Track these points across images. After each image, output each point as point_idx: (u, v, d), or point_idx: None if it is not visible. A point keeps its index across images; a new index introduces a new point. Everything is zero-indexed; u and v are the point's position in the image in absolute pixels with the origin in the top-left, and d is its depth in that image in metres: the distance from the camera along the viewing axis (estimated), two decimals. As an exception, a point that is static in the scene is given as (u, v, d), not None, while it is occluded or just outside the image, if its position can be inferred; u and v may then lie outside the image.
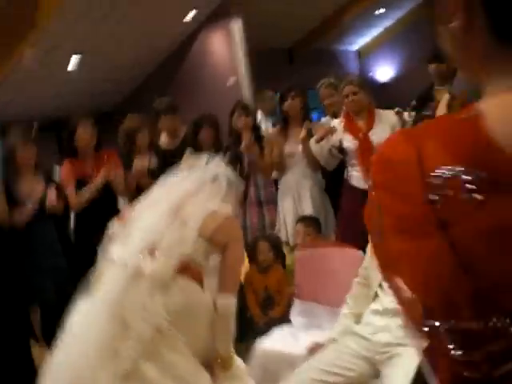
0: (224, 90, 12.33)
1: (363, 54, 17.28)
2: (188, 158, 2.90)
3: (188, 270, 2.62)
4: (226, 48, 12.97)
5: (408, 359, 2.56)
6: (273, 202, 4.93)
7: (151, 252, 2.56)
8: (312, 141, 4.55)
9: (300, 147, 4.74)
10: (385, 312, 2.79)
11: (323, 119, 5.11)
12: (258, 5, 12.84)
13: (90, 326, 2.44)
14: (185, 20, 12.00)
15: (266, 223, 4.93)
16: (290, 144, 4.84)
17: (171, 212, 2.66)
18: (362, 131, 4.48)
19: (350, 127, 4.60)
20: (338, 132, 4.64)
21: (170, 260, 2.55)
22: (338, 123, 4.65)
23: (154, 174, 4.24)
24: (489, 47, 0.84)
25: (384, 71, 14.91)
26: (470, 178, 0.80)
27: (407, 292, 0.84)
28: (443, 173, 0.82)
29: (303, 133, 4.65)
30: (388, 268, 0.91)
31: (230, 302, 2.69)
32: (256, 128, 4.94)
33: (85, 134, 4.67)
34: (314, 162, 4.70)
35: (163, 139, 5.22)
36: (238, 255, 2.88)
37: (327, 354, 2.85)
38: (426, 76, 5.18)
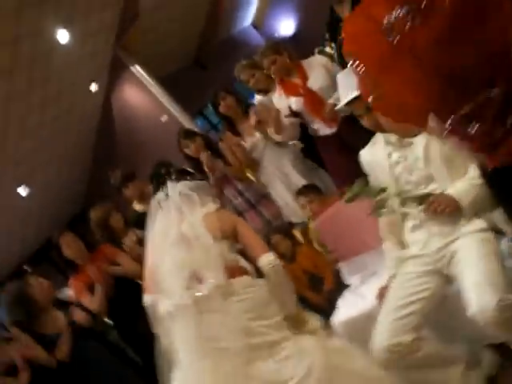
0: (161, 128, 12.30)
1: (258, 24, 17.23)
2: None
3: (233, 271, 2.72)
4: (142, 93, 12.94)
5: (465, 248, 2.57)
6: (263, 197, 4.91)
7: (198, 278, 2.68)
8: (272, 134, 4.54)
9: (257, 136, 4.74)
10: (420, 223, 2.80)
11: (257, 97, 5.08)
12: (146, 42, 12.77)
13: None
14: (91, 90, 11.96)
15: (269, 218, 4.91)
16: (247, 139, 4.84)
17: (182, 242, 2.74)
18: (301, 86, 4.48)
19: (288, 90, 4.61)
20: (282, 101, 4.64)
21: (218, 275, 2.64)
22: (277, 97, 4.66)
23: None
24: None
25: (286, 26, 14.88)
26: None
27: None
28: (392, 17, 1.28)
29: (252, 121, 4.66)
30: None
31: (272, 258, 2.83)
32: (208, 144, 4.93)
33: (69, 247, 4.68)
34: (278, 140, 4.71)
35: (137, 207, 5.23)
36: (247, 224, 3.16)
37: (395, 290, 2.85)
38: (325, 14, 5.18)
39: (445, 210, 2.53)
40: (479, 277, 2.47)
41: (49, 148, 9.11)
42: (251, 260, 2.91)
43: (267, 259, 2.84)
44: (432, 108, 1.33)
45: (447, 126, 1.37)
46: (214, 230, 2.81)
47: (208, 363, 2.51)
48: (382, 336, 2.71)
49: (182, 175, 3.19)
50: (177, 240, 2.78)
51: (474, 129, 1.33)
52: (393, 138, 2.78)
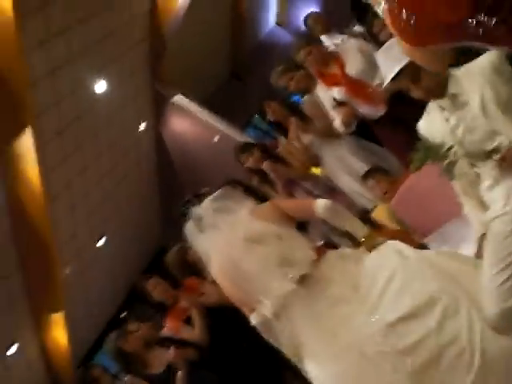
0: (217, 148, 12.38)
1: (283, 21, 17.08)
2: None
3: (319, 250, 2.91)
4: (189, 120, 13.05)
5: None
6: (333, 190, 4.89)
7: (288, 264, 2.78)
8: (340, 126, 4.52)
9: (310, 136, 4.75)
10: (496, 180, 2.67)
11: (305, 98, 5.06)
12: (180, 68, 12.87)
13: None
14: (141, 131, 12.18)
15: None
16: (303, 137, 4.82)
17: (251, 244, 2.83)
18: (339, 75, 4.42)
19: (328, 81, 4.55)
20: (325, 93, 4.59)
21: (306, 251, 2.81)
22: (320, 91, 4.62)
23: None
24: None
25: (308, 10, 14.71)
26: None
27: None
28: None
29: (294, 125, 4.66)
30: None
31: (323, 201, 3.07)
32: (266, 152, 4.93)
33: (156, 290, 4.84)
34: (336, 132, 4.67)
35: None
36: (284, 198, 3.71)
37: (489, 256, 2.72)
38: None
39: None
40: None
41: (115, 196, 9.31)
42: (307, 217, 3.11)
43: (319, 204, 3.00)
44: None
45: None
46: (267, 219, 2.89)
47: (341, 329, 2.62)
48: (491, 304, 2.59)
49: (199, 197, 3.24)
50: (244, 246, 2.81)
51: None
52: (446, 102, 2.69)
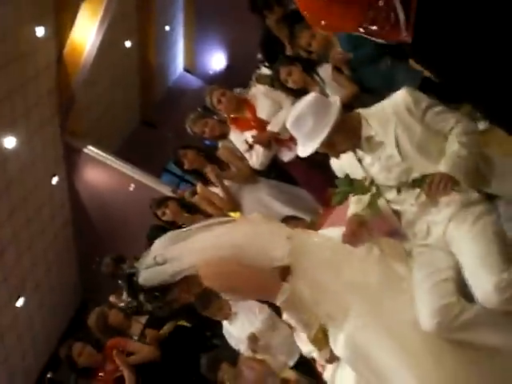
0: (133, 197, 12.20)
1: (190, 65, 17.14)
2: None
3: None
4: (103, 171, 12.83)
5: (456, 235, 2.53)
6: None
7: None
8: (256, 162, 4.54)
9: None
10: (416, 213, 2.68)
11: (221, 143, 5.10)
12: (90, 119, 12.64)
13: None
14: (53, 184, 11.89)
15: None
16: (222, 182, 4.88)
17: None
18: (251, 119, 4.51)
19: (241, 125, 4.64)
20: (238, 137, 4.67)
21: None
22: (233, 135, 4.69)
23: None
24: None
25: (216, 61, 14.97)
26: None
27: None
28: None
29: (212, 173, 4.76)
30: None
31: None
32: (183, 202, 4.99)
33: (81, 355, 4.74)
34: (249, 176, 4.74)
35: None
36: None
37: (418, 269, 2.69)
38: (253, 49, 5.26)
39: (446, 186, 2.44)
40: (472, 262, 2.41)
41: (31, 252, 9.03)
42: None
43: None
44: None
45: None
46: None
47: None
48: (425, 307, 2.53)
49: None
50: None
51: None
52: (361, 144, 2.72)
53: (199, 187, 4.95)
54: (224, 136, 4.88)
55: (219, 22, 13.57)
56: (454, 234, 2.56)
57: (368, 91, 3.91)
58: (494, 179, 2.60)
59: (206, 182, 4.99)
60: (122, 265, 4.91)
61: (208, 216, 4.68)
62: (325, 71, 4.20)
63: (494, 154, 2.72)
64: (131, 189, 10.02)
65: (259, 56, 5.83)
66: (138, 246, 4.76)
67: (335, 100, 2.62)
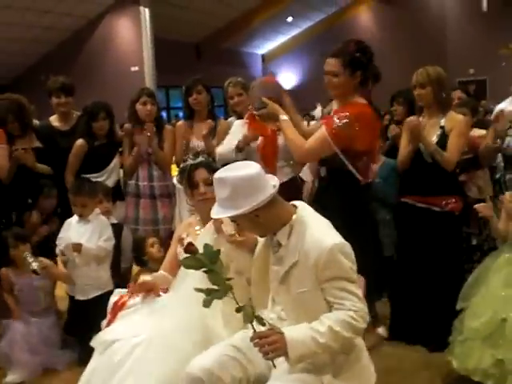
0: (126, 76, 12.07)
1: (268, 59, 17.48)
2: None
3: None
4: (132, 34, 12.68)
5: None
6: (167, 197, 4.77)
7: None
8: (227, 148, 4.38)
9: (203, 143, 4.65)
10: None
11: (231, 119, 4.97)
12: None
13: None
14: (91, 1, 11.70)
15: (160, 217, 4.76)
16: (194, 139, 4.72)
17: None
18: (272, 129, 4.39)
19: (255, 126, 4.55)
20: (240, 130, 4.59)
21: None
22: (241, 124, 4.60)
23: (40, 153, 4.16)
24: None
25: (287, 77, 15.13)
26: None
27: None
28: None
29: (205, 130, 4.55)
30: None
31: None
32: (158, 118, 4.76)
33: None
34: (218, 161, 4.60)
35: (53, 121, 4.93)
36: None
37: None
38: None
39: (268, 354, 2.24)
40: None
41: None
42: None
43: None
44: None
45: None
46: None
47: None
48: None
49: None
50: None
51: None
52: None
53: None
54: (238, 115, 4.75)
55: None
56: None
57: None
58: None
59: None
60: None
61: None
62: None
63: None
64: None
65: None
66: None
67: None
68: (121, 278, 3.88)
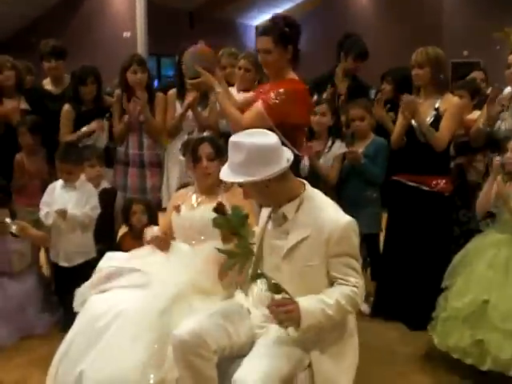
0: (118, 42, 11.96)
1: (262, 31, 17.28)
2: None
3: None
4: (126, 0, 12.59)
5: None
6: (157, 166, 4.73)
7: None
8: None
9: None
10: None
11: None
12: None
13: None
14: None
15: (148, 186, 4.72)
16: (183, 107, 4.67)
17: None
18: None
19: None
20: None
21: None
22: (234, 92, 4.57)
23: (27, 114, 4.12)
24: None
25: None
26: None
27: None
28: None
29: (187, 100, 4.48)
30: None
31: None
32: (149, 86, 4.70)
33: None
34: (204, 127, 4.56)
35: (46, 84, 4.89)
36: None
37: None
38: (326, 58, 5.20)
39: (283, 322, 2.29)
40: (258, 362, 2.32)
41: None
42: None
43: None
44: None
45: None
46: None
47: None
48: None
49: None
50: None
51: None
52: None
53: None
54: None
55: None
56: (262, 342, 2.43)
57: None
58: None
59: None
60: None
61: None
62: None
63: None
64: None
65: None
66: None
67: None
68: (113, 242, 3.90)
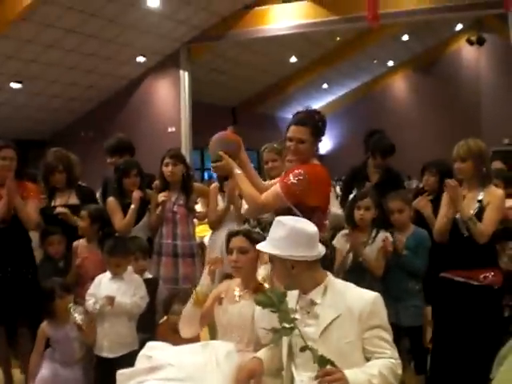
0: (162, 137, 12.33)
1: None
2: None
3: None
4: (171, 96, 13.02)
5: None
6: (190, 256, 4.77)
7: None
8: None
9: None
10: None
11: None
12: (206, 62, 13.09)
13: None
14: (134, 62, 12.08)
15: (180, 276, 4.74)
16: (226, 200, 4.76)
17: None
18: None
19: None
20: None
21: None
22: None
23: (76, 210, 4.24)
24: None
25: (322, 143, 15.25)
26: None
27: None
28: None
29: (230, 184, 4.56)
30: None
31: None
32: (186, 178, 4.80)
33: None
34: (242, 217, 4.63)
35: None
36: None
37: None
38: (359, 152, 5.27)
39: None
40: None
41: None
42: None
43: None
44: None
45: None
46: None
47: None
48: None
49: None
50: None
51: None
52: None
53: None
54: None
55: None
56: None
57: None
58: None
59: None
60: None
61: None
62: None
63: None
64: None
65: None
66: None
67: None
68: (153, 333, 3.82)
